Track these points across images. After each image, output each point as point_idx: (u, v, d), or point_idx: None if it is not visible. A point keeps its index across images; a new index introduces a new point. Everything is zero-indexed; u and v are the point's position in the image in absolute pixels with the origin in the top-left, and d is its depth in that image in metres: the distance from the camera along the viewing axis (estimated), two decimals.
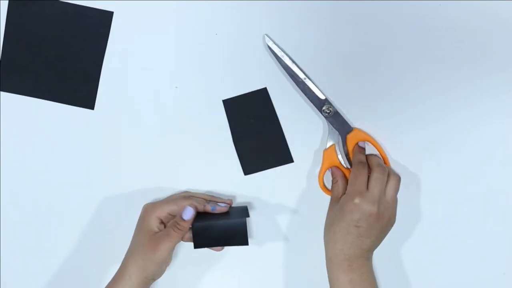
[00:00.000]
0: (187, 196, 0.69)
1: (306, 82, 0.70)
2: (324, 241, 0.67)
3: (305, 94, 0.70)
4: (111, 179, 0.73)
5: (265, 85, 0.72)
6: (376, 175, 0.65)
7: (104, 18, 0.72)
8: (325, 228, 0.67)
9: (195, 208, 0.66)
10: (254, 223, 0.73)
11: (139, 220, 0.67)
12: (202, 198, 0.69)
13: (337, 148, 0.70)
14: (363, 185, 0.64)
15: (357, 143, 0.70)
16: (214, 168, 0.72)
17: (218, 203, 0.68)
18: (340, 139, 0.70)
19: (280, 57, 0.70)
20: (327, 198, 0.71)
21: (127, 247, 0.67)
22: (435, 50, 0.71)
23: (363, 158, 0.68)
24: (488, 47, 0.71)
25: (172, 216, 0.66)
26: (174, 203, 0.66)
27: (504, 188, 0.72)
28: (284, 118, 0.72)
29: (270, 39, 0.70)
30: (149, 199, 0.72)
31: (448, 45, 0.71)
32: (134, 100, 0.72)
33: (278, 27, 0.71)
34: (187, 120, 0.72)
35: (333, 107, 0.70)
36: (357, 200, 0.63)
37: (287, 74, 0.71)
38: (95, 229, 0.73)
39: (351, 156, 0.70)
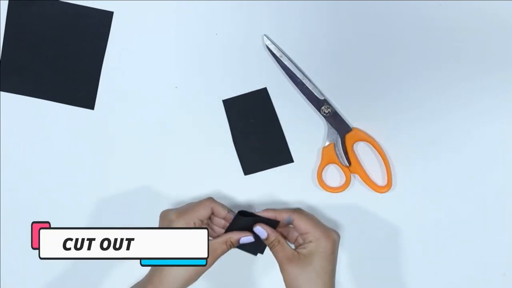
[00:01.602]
0: (211, 199, 0.66)
1: (304, 82, 0.70)
2: None
3: (304, 94, 0.70)
4: (111, 179, 0.73)
5: (265, 85, 0.72)
6: (302, 213, 0.64)
7: (104, 18, 0.72)
8: (300, 287, 0.61)
9: (221, 213, 0.65)
10: None
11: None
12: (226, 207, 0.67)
13: (335, 147, 0.70)
14: (321, 224, 0.64)
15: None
16: (214, 168, 0.72)
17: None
18: (339, 138, 0.70)
19: (279, 57, 0.70)
20: (327, 197, 0.71)
21: None
22: (435, 50, 0.71)
23: (286, 212, 0.65)
24: (488, 47, 0.71)
25: (201, 224, 0.64)
26: (203, 207, 0.64)
27: (504, 188, 0.72)
28: (284, 118, 0.72)
29: (269, 39, 0.70)
30: (149, 199, 0.72)
31: (448, 45, 0.71)
32: (134, 100, 0.72)
33: (278, 27, 0.71)
34: (187, 120, 0.72)
35: (332, 107, 0.70)
36: (335, 236, 0.63)
37: (286, 75, 0.71)
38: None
39: (350, 156, 0.70)
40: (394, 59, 0.71)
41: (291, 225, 0.65)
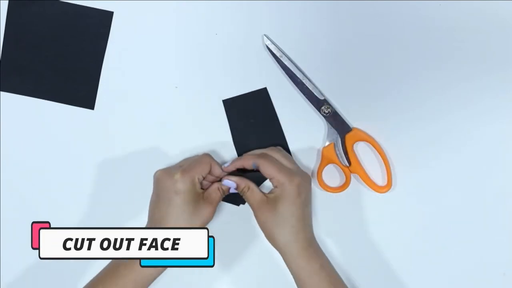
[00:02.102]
0: (209, 155, 0.68)
1: (304, 82, 0.70)
2: (277, 244, 0.64)
3: (304, 94, 0.70)
4: (111, 179, 0.73)
5: (265, 85, 0.72)
6: (271, 155, 0.65)
7: (104, 18, 0.72)
8: (271, 232, 0.64)
9: (217, 173, 0.67)
10: (254, 223, 0.72)
11: (175, 188, 0.63)
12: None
13: (335, 147, 0.70)
14: (282, 167, 0.64)
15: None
16: None
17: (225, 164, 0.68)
18: (339, 138, 0.70)
19: (279, 57, 0.70)
20: (327, 197, 0.71)
21: None
22: (435, 50, 0.71)
23: (255, 153, 0.67)
24: (488, 47, 0.71)
25: (199, 183, 0.65)
26: (206, 165, 0.65)
27: (505, 188, 0.72)
28: (284, 118, 0.72)
29: (269, 39, 0.70)
30: (149, 198, 0.71)
31: (448, 45, 0.71)
32: (134, 100, 0.72)
33: (278, 27, 0.71)
34: (187, 120, 0.72)
35: (332, 107, 0.70)
36: (298, 179, 0.63)
37: (286, 75, 0.71)
38: None
39: (350, 156, 0.70)
40: (394, 59, 0.71)
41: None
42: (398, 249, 0.72)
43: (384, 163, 0.70)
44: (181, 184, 0.63)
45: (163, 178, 0.65)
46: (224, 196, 0.67)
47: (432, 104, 0.71)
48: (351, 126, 0.70)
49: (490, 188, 0.72)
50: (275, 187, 0.64)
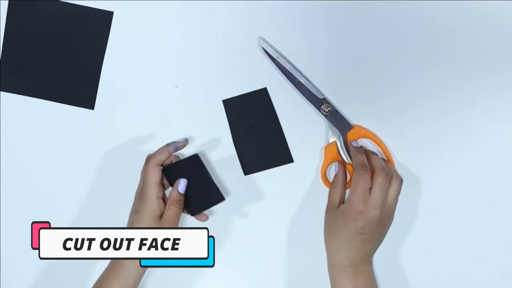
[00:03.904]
0: (149, 157, 0.67)
1: (303, 82, 0.70)
2: (326, 249, 0.66)
3: (303, 94, 0.70)
4: (111, 179, 0.73)
5: (265, 85, 0.72)
6: (379, 180, 0.64)
7: (104, 18, 0.72)
8: (326, 236, 0.67)
9: (163, 161, 0.66)
10: (254, 223, 0.73)
11: (139, 208, 0.65)
12: (161, 149, 0.68)
13: (338, 144, 0.70)
14: (366, 192, 0.63)
15: (350, 142, 0.69)
16: (214, 168, 0.72)
17: (176, 142, 0.69)
18: (341, 136, 0.70)
19: (276, 58, 0.70)
20: (327, 197, 0.71)
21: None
22: (435, 50, 0.71)
23: (364, 160, 0.66)
24: (488, 47, 0.71)
25: (161, 184, 0.66)
26: (151, 171, 0.65)
27: (505, 188, 0.72)
28: (284, 118, 0.72)
29: (264, 40, 0.70)
30: None
31: (448, 45, 0.71)
32: (134, 100, 0.72)
33: (278, 27, 0.71)
34: (187, 120, 0.72)
35: (332, 105, 0.70)
36: (360, 208, 0.63)
37: (284, 75, 0.71)
38: None
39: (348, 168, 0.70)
40: (394, 59, 0.71)
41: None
42: (398, 249, 0.72)
43: (388, 158, 0.70)
44: (141, 204, 0.65)
45: (141, 200, 0.66)
46: (181, 206, 0.66)
47: (432, 104, 0.71)
48: (352, 124, 0.70)
49: (491, 188, 0.72)
50: (345, 201, 0.66)
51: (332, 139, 0.71)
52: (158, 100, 0.72)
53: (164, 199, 0.66)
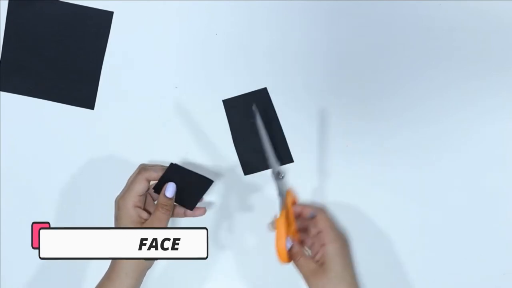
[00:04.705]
0: (143, 169, 0.66)
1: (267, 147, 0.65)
2: None
3: (268, 158, 0.66)
4: (111, 179, 0.73)
5: (265, 85, 0.72)
6: (325, 213, 0.66)
7: (104, 18, 0.72)
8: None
9: (154, 179, 0.65)
10: (254, 223, 0.73)
11: (118, 216, 0.65)
12: (157, 167, 0.66)
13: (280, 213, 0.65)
14: (335, 229, 0.65)
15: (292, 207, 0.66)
16: (214, 168, 0.72)
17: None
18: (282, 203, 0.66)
19: (258, 123, 0.66)
20: (328, 197, 0.71)
21: None
22: (435, 50, 0.71)
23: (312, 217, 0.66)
24: (488, 47, 0.71)
25: (144, 195, 0.65)
26: (138, 182, 0.65)
27: (505, 188, 0.72)
28: (284, 118, 0.72)
29: (257, 110, 0.65)
30: None
31: (448, 45, 0.71)
32: (134, 100, 0.72)
33: (278, 27, 0.71)
34: (187, 120, 0.72)
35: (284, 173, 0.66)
36: (344, 239, 0.66)
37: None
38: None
39: (291, 216, 0.65)
40: (394, 59, 0.71)
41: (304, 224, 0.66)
42: (399, 249, 0.72)
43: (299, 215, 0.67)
44: (120, 214, 0.64)
45: (116, 207, 0.65)
46: (170, 210, 0.64)
47: (432, 104, 0.71)
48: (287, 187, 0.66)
49: (491, 188, 0.71)
50: (323, 244, 0.64)
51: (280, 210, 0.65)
52: (158, 100, 0.72)
53: (145, 209, 0.66)
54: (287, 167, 0.72)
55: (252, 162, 0.72)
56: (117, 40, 0.72)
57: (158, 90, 0.72)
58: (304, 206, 0.67)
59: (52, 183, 0.73)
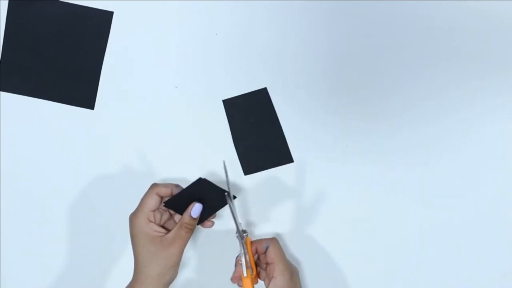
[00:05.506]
0: (154, 184, 0.65)
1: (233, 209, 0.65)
2: None
3: (234, 217, 0.65)
4: (111, 179, 0.73)
5: (265, 85, 0.72)
6: (276, 243, 0.65)
7: (104, 18, 0.72)
8: None
9: (164, 194, 0.64)
10: (254, 223, 0.73)
11: (132, 233, 0.63)
12: (167, 184, 0.66)
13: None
14: (285, 260, 0.65)
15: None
16: (214, 168, 0.72)
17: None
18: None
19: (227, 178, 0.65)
20: (327, 197, 0.71)
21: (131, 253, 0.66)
22: (435, 50, 0.71)
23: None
24: (488, 47, 0.71)
25: (159, 212, 0.64)
26: (149, 197, 0.64)
27: (505, 188, 0.72)
28: (284, 118, 0.72)
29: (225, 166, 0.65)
30: None
31: (448, 45, 0.71)
32: (134, 100, 0.72)
33: (278, 27, 0.71)
34: (187, 120, 0.72)
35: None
36: (296, 270, 0.65)
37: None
38: (95, 230, 0.73)
39: (253, 265, 0.65)
40: (394, 59, 0.71)
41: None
42: (399, 249, 0.72)
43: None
44: (136, 231, 0.63)
45: (130, 224, 0.64)
46: (192, 229, 0.63)
47: (432, 104, 0.71)
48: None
49: (491, 188, 0.72)
50: (273, 277, 0.63)
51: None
52: (158, 100, 0.72)
53: (163, 226, 0.65)
54: (287, 167, 0.72)
55: (252, 162, 0.72)
56: (117, 40, 0.72)
57: (158, 90, 0.72)
58: (258, 241, 0.66)
59: (52, 183, 0.73)
